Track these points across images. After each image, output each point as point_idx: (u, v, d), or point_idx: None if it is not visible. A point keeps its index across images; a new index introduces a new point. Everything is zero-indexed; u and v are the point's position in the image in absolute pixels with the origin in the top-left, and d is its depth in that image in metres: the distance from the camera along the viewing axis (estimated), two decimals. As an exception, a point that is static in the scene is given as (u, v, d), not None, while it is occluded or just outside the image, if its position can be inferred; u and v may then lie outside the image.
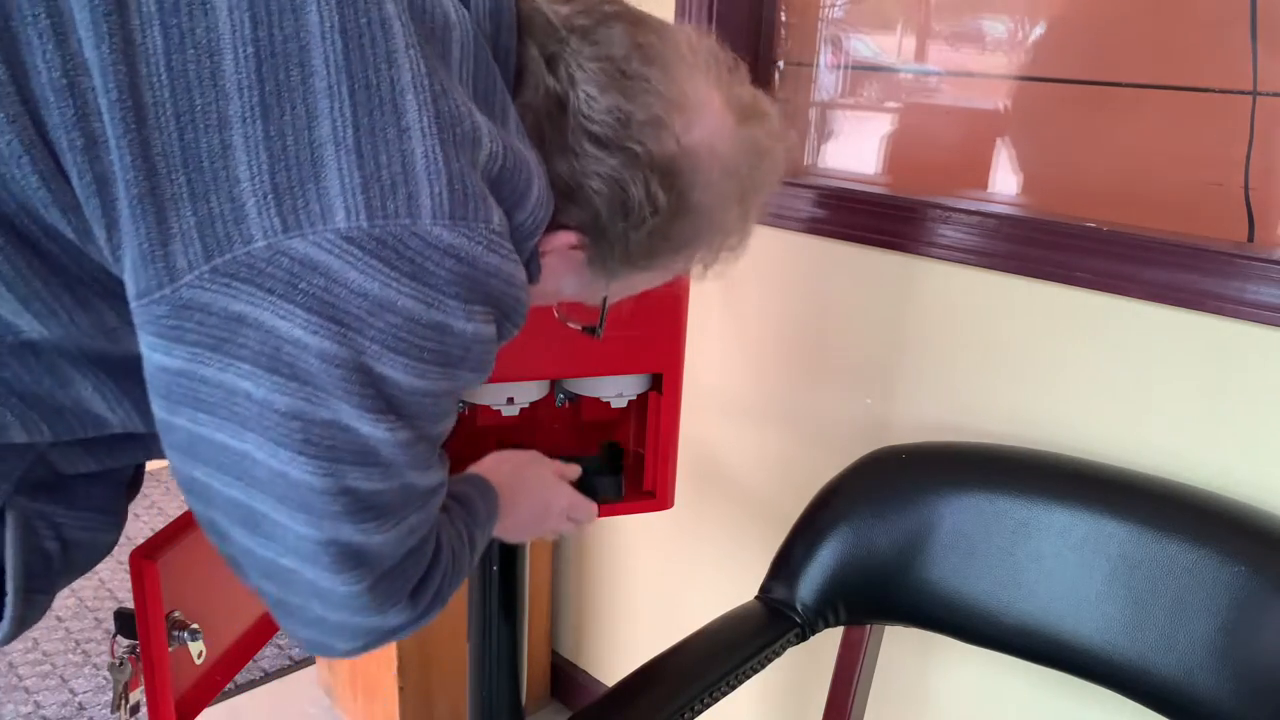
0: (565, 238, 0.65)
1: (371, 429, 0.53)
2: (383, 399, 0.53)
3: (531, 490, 0.95)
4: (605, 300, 0.75)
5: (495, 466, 0.91)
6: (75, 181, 0.51)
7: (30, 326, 0.53)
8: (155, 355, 0.52)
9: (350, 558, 0.57)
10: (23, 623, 0.61)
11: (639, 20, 0.64)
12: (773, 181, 0.71)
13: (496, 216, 0.55)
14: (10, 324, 0.53)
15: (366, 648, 0.64)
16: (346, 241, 0.50)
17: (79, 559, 0.64)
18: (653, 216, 0.64)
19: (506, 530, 0.90)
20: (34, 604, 0.62)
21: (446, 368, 0.55)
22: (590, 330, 0.79)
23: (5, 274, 0.52)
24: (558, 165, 0.62)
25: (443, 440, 0.61)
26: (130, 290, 0.51)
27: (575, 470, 1.03)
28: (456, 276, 0.53)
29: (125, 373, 0.58)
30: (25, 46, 0.50)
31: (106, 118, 0.50)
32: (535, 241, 0.62)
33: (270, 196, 0.50)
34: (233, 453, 0.54)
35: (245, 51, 0.50)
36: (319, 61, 0.51)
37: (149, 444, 0.63)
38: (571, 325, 0.82)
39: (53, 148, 0.51)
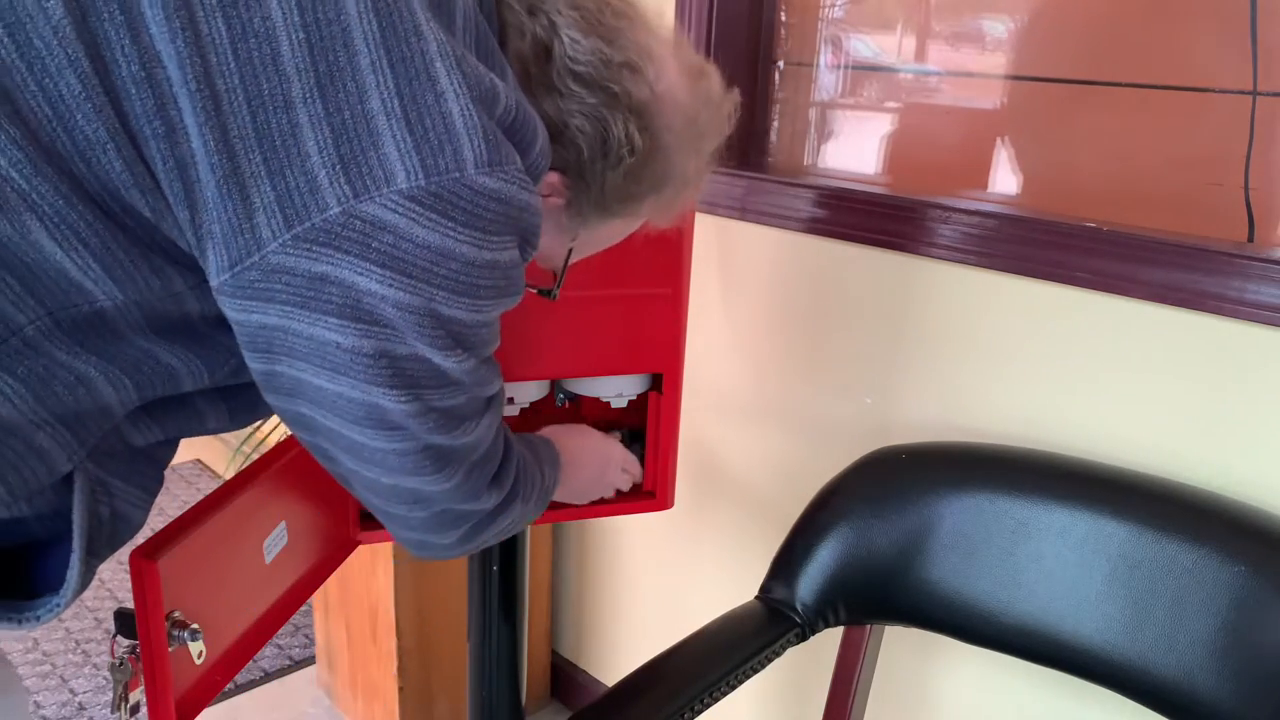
0: (549, 177, 0.69)
1: (442, 359, 0.62)
2: (451, 337, 0.61)
3: (592, 449, 1.05)
4: (568, 257, 0.79)
5: (553, 433, 1.02)
6: (159, 168, 0.56)
7: (107, 294, 0.58)
8: (254, 316, 0.59)
9: (443, 459, 0.67)
10: (84, 584, 0.65)
11: None
12: (722, 131, 0.78)
13: (518, 159, 0.61)
14: (89, 292, 0.58)
15: (468, 538, 0.77)
16: (409, 200, 0.56)
17: (119, 532, 0.68)
18: (630, 156, 0.70)
19: (575, 487, 1.02)
20: (90, 569, 0.65)
21: (497, 298, 0.63)
22: (545, 292, 0.83)
23: (93, 245, 0.56)
24: (544, 105, 0.68)
25: (496, 366, 0.71)
26: (221, 262, 0.57)
27: (616, 437, 1.11)
28: (499, 216, 0.59)
29: (182, 334, 0.64)
30: (104, 42, 0.54)
31: (185, 106, 0.55)
32: (541, 181, 0.67)
33: (339, 167, 0.55)
34: (329, 394, 0.61)
35: (298, 37, 0.55)
36: (360, 42, 0.56)
37: (207, 418, 0.71)
38: (527, 287, 0.83)
39: (134, 136, 0.55)
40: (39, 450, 0.60)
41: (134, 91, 0.54)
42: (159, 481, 0.72)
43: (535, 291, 0.84)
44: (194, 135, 0.55)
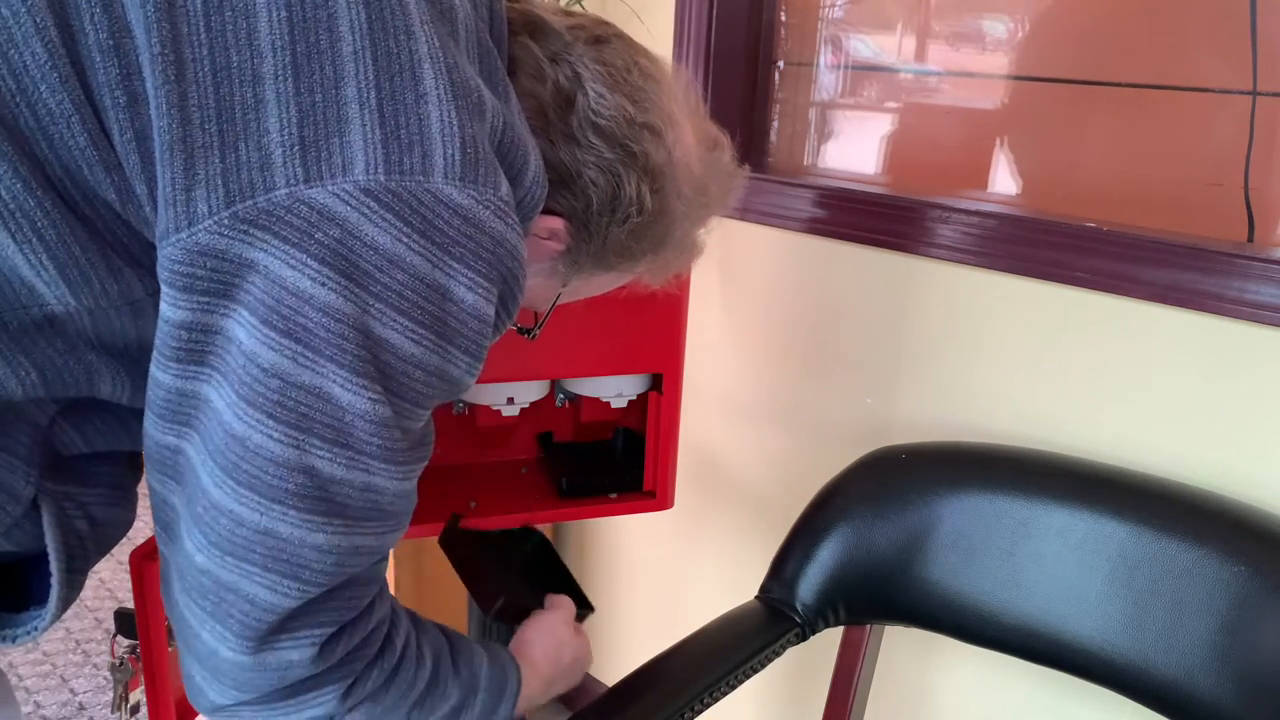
0: (552, 222, 0.68)
1: (353, 397, 0.54)
2: (374, 364, 0.54)
3: (555, 653, 0.88)
4: (555, 301, 0.78)
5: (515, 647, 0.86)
6: (116, 139, 0.53)
7: (58, 298, 0.55)
8: (165, 308, 0.53)
9: (280, 559, 0.54)
10: (66, 603, 0.63)
11: (635, 44, 0.71)
12: (727, 204, 0.78)
13: (505, 186, 0.57)
14: (40, 295, 0.55)
15: (239, 704, 0.58)
16: (364, 194, 0.52)
17: (106, 535, 0.66)
18: (637, 215, 0.68)
19: (539, 692, 0.84)
20: (74, 584, 0.63)
21: (441, 339, 0.56)
22: (525, 331, 0.82)
23: (48, 238, 0.53)
24: (560, 151, 0.66)
25: (419, 459, 0.59)
26: (157, 236, 0.53)
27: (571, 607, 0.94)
28: (463, 237, 0.55)
29: (132, 357, 0.59)
30: (73, 10, 0.52)
31: (148, 72, 0.52)
32: (530, 222, 0.64)
33: (297, 147, 0.52)
34: (206, 405, 0.54)
35: (279, 15, 0.53)
36: (345, 29, 0.53)
37: (134, 430, 0.62)
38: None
39: (97, 107, 0.53)
40: None
41: (99, 60, 0.52)
42: (125, 478, 0.67)
43: (515, 329, 0.82)
44: (152, 102, 0.52)
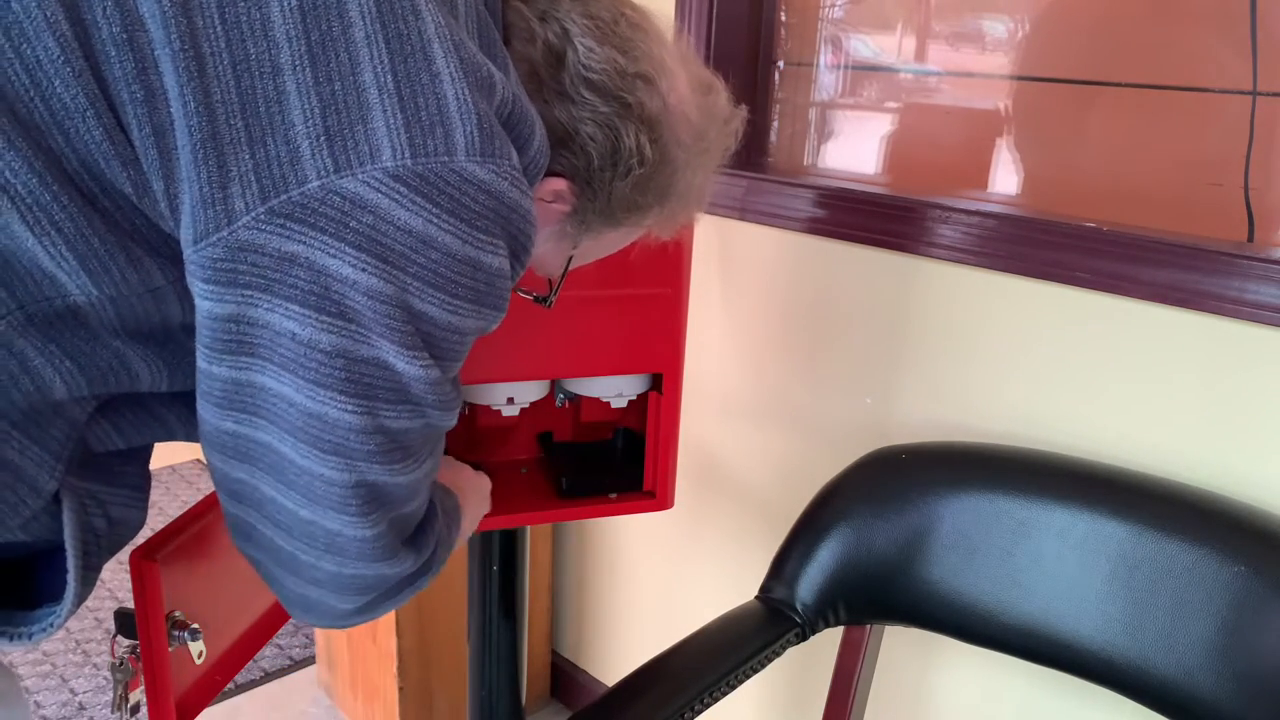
0: (556, 183, 0.68)
1: (407, 365, 0.57)
2: (419, 335, 0.57)
3: (466, 483, 0.97)
4: (568, 266, 0.78)
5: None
6: (135, 134, 0.53)
7: (80, 288, 0.55)
8: (207, 303, 0.55)
9: (373, 500, 0.61)
10: (80, 599, 0.64)
11: None
12: (728, 148, 0.77)
13: (515, 156, 0.59)
14: (62, 285, 0.55)
15: (367, 609, 0.68)
16: (394, 180, 0.53)
17: (119, 535, 0.67)
18: (639, 167, 0.68)
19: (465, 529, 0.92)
20: (89, 581, 0.64)
21: (475, 304, 0.59)
22: (541, 299, 0.82)
23: (66, 230, 0.54)
24: (555, 111, 0.66)
25: (459, 394, 0.66)
26: (188, 236, 0.54)
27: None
28: (487, 211, 0.57)
29: (159, 341, 0.61)
30: (84, 4, 0.52)
31: (168, 68, 0.52)
32: (534, 186, 0.65)
33: (323, 138, 0.53)
34: (270, 396, 0.57)
35: (290, 4, 0.53)
36: (355, 14, 0.54)
37: (170, 423, 0.67)
38: (522, 294, 0.83)
39: (113, 102, 0.53)
40: (14, 468, 0.58)
41: (114, 54, 0.52)
42: (146, 479, 0.70)
43: (532, 298, 0.84)
44: (174, 99, 0.52)
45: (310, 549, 0.62)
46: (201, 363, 0.57)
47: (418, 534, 0.69)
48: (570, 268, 0.79)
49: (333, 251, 0.53)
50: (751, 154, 1.46)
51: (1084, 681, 0.96)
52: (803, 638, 1.05)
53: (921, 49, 1.28)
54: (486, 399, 1.06)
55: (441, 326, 0.58)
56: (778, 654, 1.03)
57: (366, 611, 0.68)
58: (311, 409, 0.56)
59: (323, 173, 0.53)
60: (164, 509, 2.53)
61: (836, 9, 1.36)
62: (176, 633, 0.79)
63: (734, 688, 0.97)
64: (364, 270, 0.54)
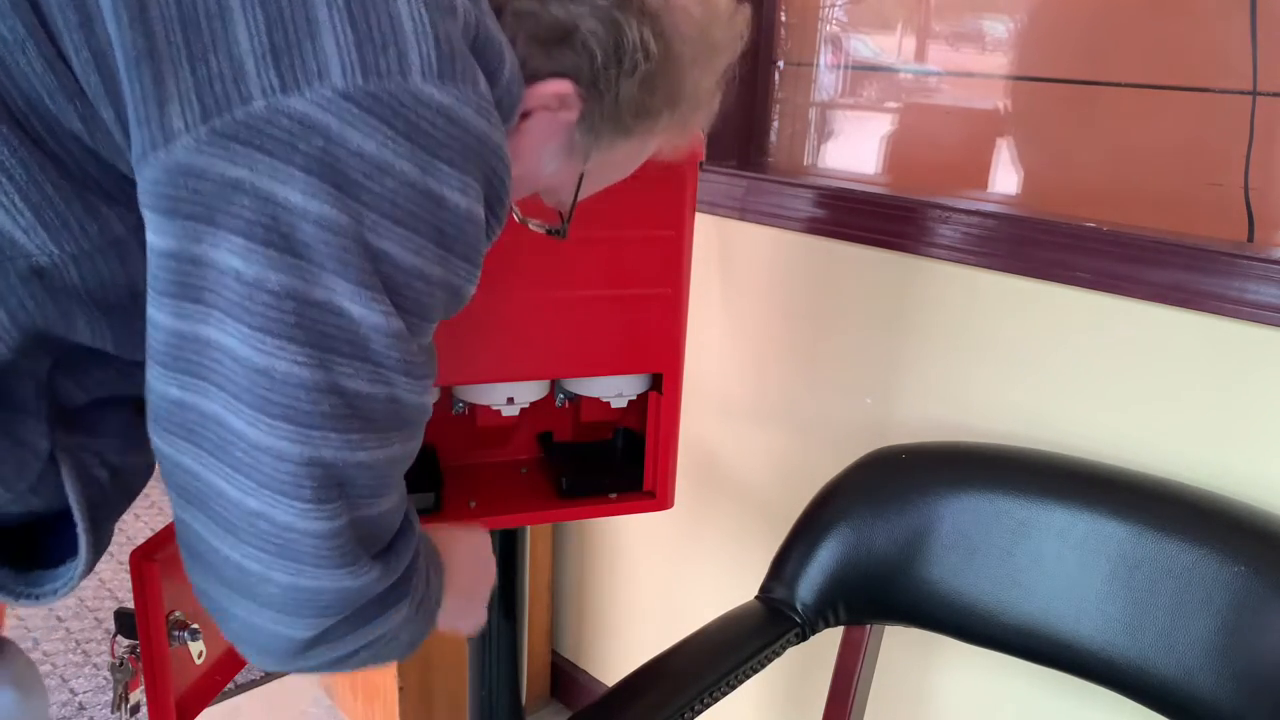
0: (559, 85, 0.65)
1: (364, 310, 0.53)
2: (378, 276, 0.53)
3: (468, 555, 0.85)
4: (579, 189, 0.74)
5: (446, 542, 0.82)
6: (74, 60, 0.51)
7: (41, 246, 0.53)
8: (152, 237, 0.52)
9: (329, 485, 0.54)
10: (97, 550, 0.63)
11: None
12: (734, 48, 0.73)
13: (483, 84, 0.56)
14: (20, 245, 0.53)
15: (328, 639, 0.59)
16: (344, 99, 0.50)
17: (127, 483, 0.66)
18: (645, 62, 0.65)
19: (451, 607, 0.77)
20: (102, 531, 0.63)
21: (440, 248, 0.55)
22: (555, 232, 0.78)
23: (18, 178, 0.52)
24: (552, 8, 0.63)
25: (431, 373, 0.60)
26: (134, 162, 0.51)
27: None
28: (448, 138, 0.53)
29: (129, 311, 0.57)
30: None
31: None
32: (512, 123, 0.62)
33: (269, 55, 0.49)
34: (216, 353, 0.52)
35: None
36: None
37: (134, 377, 0.61)
38: (534, 226, 0.80)
39: (51, 31, 0.51)
40: (9, 431, 0.57)
41: None
42: (132, 427, 0.66)
43: (545, 231, 0.80)
44: (108, 16, 0.49)
45: (260, 553, 0.55)
46: (150, 310, 0.54)
47: (388, 550, 0.61)
48: (582, 193, 0.75)
49: (281, 176, 0.50)
50: (751, 154, 1.46)
51: (1084, 681, 0.96)
52: (803, 638, 1.05)
53: (921, 49, 1.28)
54: (486, 399, 1.06)
55: (403, 269, 0.54)
56: (778, 654, 1.03)
57: (324, 642, 0.59)
58: (258, 363, 0.51)
59: (269, 91, 0.49)
60: (164, 509, 2.53)
61: (836, 9, 1.36)
62: (176, 633, 0.79)
63: (734, 688, 0.97)
64: (314, 197, 0.50)
